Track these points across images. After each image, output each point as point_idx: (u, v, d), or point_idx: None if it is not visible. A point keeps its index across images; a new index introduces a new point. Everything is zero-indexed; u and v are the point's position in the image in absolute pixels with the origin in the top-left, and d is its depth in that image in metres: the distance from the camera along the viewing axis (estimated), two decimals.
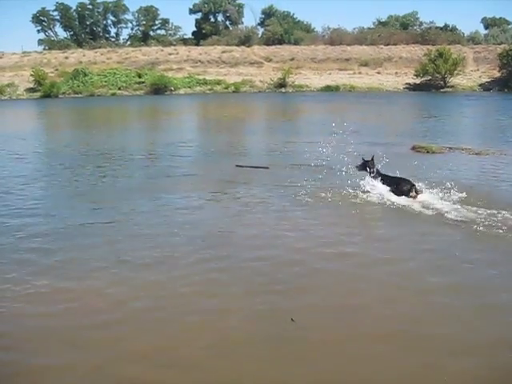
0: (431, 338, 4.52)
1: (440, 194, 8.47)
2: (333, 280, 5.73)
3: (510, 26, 72.24)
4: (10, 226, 7.68)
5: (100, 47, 59.40)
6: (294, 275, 5.84)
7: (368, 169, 9.08)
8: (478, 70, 51.03)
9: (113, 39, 76.06)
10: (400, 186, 8.60)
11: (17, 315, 5.09)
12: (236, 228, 7.51)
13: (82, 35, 73.70)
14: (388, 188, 8.77)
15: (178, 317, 4.98)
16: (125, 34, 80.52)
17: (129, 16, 76.91)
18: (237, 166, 11.87)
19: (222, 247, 6.70)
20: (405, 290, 5.47)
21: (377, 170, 9.12)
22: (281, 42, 60.85)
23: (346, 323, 4.82)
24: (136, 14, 76.46)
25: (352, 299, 5.29)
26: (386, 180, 8.93)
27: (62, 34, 76.16)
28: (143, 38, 72.25)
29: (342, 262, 6.21)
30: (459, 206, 7.89)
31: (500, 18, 74.84)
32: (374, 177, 9.02)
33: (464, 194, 8.34)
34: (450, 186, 8.44)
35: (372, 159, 9.20)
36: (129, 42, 73.82)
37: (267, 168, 11.58)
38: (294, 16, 73.36)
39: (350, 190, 8.93)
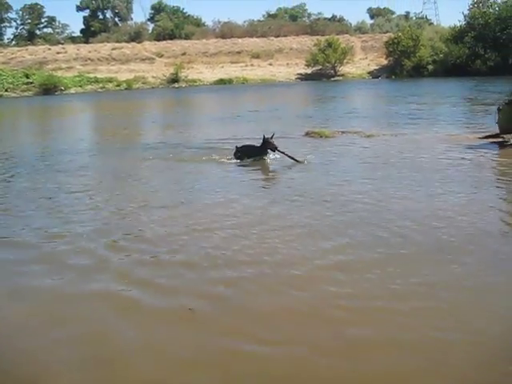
0: None
1: None
2: None
3: (393, 16, 77.88)
4: None
5: None
6: None
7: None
8: (366, 58, 53.96)
9: None
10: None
11: None
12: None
13: None
14: None
15: None
16: (9, 33, 77.44)
17: (12, 15, 74.20)
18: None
19: None
20: None
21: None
22: (172, 37, 61.36)
23: None
24: (20, 13, 73.90)
25: None
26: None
27: None
28: (29, 37, 69.66)
29: None
30: None
31: (384, 8, 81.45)
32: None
33: None
34: None
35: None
36: (14, 42, 70.89)
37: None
38: (184, 11, 74.36)
39: None
